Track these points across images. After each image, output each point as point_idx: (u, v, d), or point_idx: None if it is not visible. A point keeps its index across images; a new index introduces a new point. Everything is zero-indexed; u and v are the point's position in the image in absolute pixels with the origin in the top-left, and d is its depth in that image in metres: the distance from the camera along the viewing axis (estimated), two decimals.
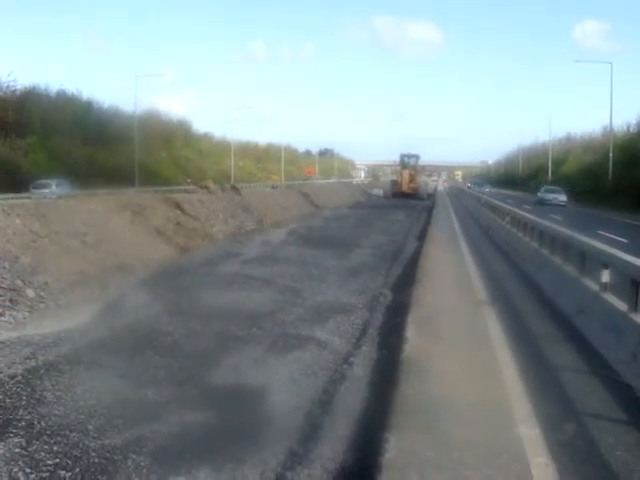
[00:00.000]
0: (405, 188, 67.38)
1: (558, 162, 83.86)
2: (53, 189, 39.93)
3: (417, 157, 74.68)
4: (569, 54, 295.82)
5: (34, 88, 60.48)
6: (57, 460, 6.27)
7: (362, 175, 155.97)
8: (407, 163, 72.49)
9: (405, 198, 62.87)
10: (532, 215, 20.56)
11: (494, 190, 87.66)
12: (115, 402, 7.85)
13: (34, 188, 39.70)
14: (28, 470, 6.05)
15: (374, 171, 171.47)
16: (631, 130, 68.09)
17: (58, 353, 9.87)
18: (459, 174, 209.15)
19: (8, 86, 56.45)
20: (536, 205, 49.56)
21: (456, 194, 77.69)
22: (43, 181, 41.26)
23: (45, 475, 5.99)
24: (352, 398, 8.12)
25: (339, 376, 9.00)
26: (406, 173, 69.20)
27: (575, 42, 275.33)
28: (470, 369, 7.99)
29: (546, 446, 5.76)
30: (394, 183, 71.35)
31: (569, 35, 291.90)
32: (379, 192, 77.45)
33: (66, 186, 41.37)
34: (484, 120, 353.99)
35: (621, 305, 8.74)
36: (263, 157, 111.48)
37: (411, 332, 9.68)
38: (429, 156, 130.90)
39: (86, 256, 16.68)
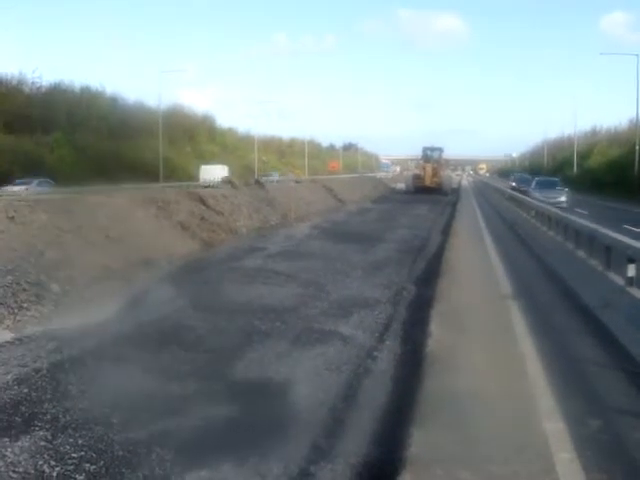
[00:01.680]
0: (428, 182, 65.24)
1: (583, 155, 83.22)
2: (275, 177, 61.71)
3: (440, 150, 72.33)
4: (595, 46, 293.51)
5: (59, 84, 60.91)
6: (82, 453, 6.31)
7: (398, 170, 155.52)
8: (430, 156, 69.96)
9: (428, 193, 60.82)
10: None
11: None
12: (140, 396, 7.89)
13: (263, 177, 58.93)
14: (53, 463, 6.09)
15: (394, 166, 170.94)
16: None
17: (83, 347, 9.92)
18: (483, 167, 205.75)
19: (33, 82, 56.91)
20: None
21: (481, 190, 76.86)
22: (269, 173, 66.77)
23: (70, 468, 6.02)
24: (376, 392, 8.11)
25: (363, 370, 8.99)
26: (429, 167, 66.98)
27: (602, 34, 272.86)
28: (495, 363, 7.96)
29: (571, 441, 5.72)
30: (416, 177, 69.13)
31: (596, 27, 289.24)
32: (402, 186, 76.33)
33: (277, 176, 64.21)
34: (509, 113, 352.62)
35: None
36: (287, 152, 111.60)
37: (435, 326, 9.66)
38: (453, 150, 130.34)
39: (110, 251, 16.76)
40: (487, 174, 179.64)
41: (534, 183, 49.27)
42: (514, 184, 63.65)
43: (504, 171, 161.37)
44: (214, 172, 55.62)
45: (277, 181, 55.53)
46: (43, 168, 42.72)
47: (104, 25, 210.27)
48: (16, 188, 33.95)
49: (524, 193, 42.02)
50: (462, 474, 5.11)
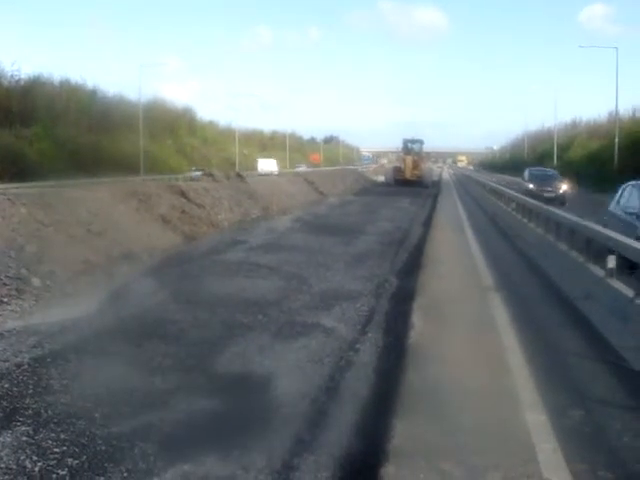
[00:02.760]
0: (408, 175, 64.41)
1: (564, 147, 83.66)
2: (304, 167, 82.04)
3: (421, 142, 71.58)
4: (575, 38, 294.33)
5: (38, 77, 60.50)
6: (64, 448, 6.28)
7: (385, 162, 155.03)
8: (411, 149, 69.14)
9: (408, 186, 59.88)
10: None
11: None
12: (122, 390, 7.86)
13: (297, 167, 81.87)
14: (35, 458, 6.06)
15: (379, 158, 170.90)
16: (637, 115, 67.96)
17: (64, 342, 9.87)
18: (463, 159, 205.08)
19: (12, 75, 56.46)
20: None
21: (463, 183, 76.94)
22: (299, 164, 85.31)
23: (52, 463, 6.00)
24: (358, 384, 8.12)
25: (345, 363, 9.00)
26: (409, 159, 66.03)
27: (581, 26, 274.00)
28: (476, 355, 8.00)
29: (553, 432, 5.76)
30: (397, 170, 68.18)
31: (575, 19, 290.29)
32: (383, 179, 75.82)
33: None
34: (489, 106, 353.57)
35: (627, 291, 8.74)
36: (268, 145, 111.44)
37: (417, 318, 9.69)
38: (434, 142, 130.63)
39: (92, 245, 16.69)
40: (471, 167, 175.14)
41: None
42: (532, 186, 39.92)
43: (487, 163, 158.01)
44: (267, 164, 79.30)
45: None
46: (23, 162, 42.50)
47: (84, 18, 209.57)
48: (194, 174, 46.66)
49: (553, 203, 27.38)
50: (444, 465, 5.13)
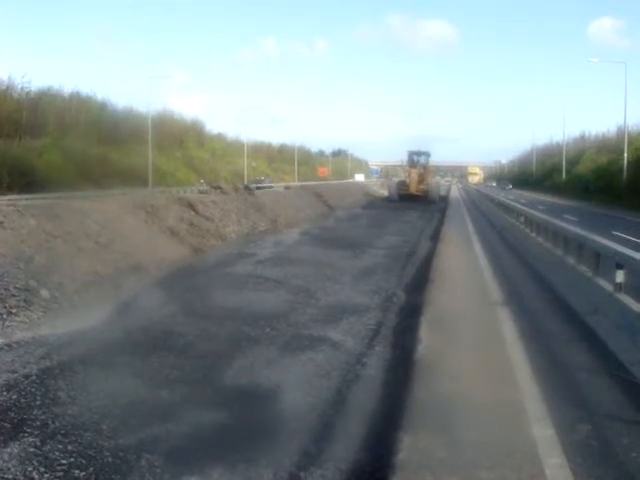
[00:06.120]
0: (414, 190, 61.20)
1: (572, 162, 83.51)
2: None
3: (427, 155, 68.51)
4: (584, 52, 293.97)
5: (48, 89, 60.69)
6: (71, 459, 6.29)
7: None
8: (416, 161, 66.39)
9: (414, 201, 57.17)
10: None
11: None
12: (129, 402, 7.87)
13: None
14: (42, 469, 6.08)
15: (387, 172, 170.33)
16: None
17: (72, 353, 9.89)
18: (476, 171, 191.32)
19: (22, 87, 56.60)
20: None
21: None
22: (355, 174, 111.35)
23: (59, 474, 6.01)
24: (365, 398, 8.11)
25: (352, 377, 8.99)
26: (415, 173, 62.66)
27: (590, 40, 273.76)
28: (484, 370, 7.97)
29: (560, 447, 5.74)
30: (401, 184, 64.47)
31: (584, 33, 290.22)
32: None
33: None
34: (497, 119, 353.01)
35: (635, 305, 8.71)
36: (276, 157, 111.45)
37: (424, 333, 9.67)
38: (442, 156, 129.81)
39: (100, 256, 16.73)
40: (493, 183, 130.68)
41: None
42: None
43: (519, 179, 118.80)
44: (359, 177, 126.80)
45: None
46: (32, 173, 42.65)
47: (94, 31, 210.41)
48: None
49: None
50: (451, 479, 5.12)
